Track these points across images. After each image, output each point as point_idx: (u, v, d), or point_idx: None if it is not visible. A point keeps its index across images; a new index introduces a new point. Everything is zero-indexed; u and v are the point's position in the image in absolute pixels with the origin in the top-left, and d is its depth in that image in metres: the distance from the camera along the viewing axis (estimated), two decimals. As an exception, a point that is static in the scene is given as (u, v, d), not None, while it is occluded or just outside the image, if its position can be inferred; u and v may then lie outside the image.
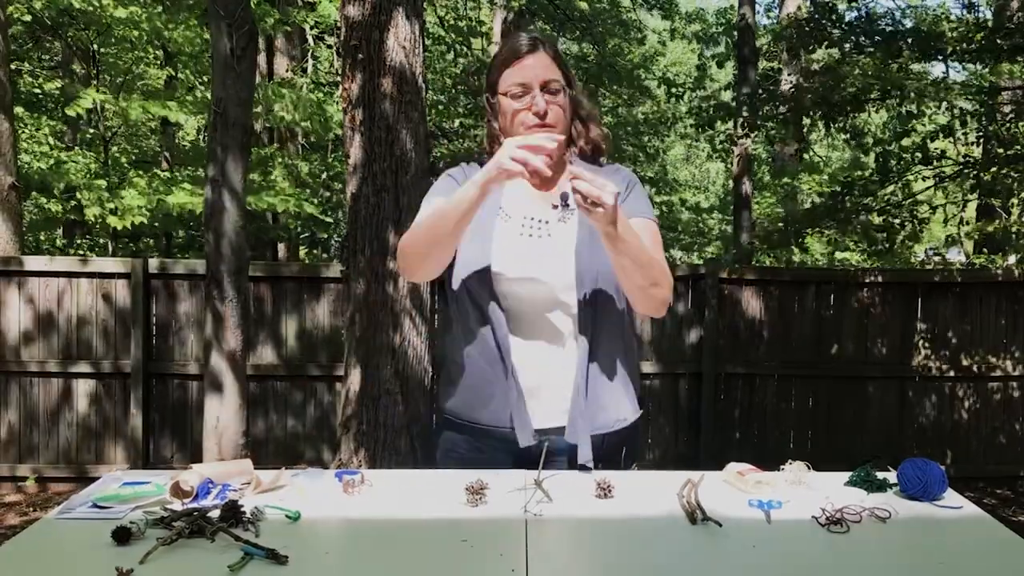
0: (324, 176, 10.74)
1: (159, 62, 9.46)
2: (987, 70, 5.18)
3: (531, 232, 1.68)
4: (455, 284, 1.69)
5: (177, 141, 8.40)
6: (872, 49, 5.55)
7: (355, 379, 3.66)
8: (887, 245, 6.43)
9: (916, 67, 5.76)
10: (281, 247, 11.04)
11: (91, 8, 7.33)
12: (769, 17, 12.86)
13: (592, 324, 1.65)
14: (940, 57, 5.48)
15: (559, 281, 1.64)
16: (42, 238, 10.24)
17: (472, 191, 1.52)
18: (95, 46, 8.89)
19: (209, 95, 8.65)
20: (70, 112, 6.80)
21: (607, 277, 1.64)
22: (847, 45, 5.94)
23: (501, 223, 1.69)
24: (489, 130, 1.74)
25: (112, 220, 7.15)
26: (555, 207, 1.68)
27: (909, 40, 5.42)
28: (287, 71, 9.88)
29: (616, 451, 1.69)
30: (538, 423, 1.65)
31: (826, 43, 6.06)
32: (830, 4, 5.90)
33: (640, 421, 1.78)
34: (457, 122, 11.88)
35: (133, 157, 9.64)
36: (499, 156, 1.48)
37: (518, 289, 1.64)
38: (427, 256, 1.63)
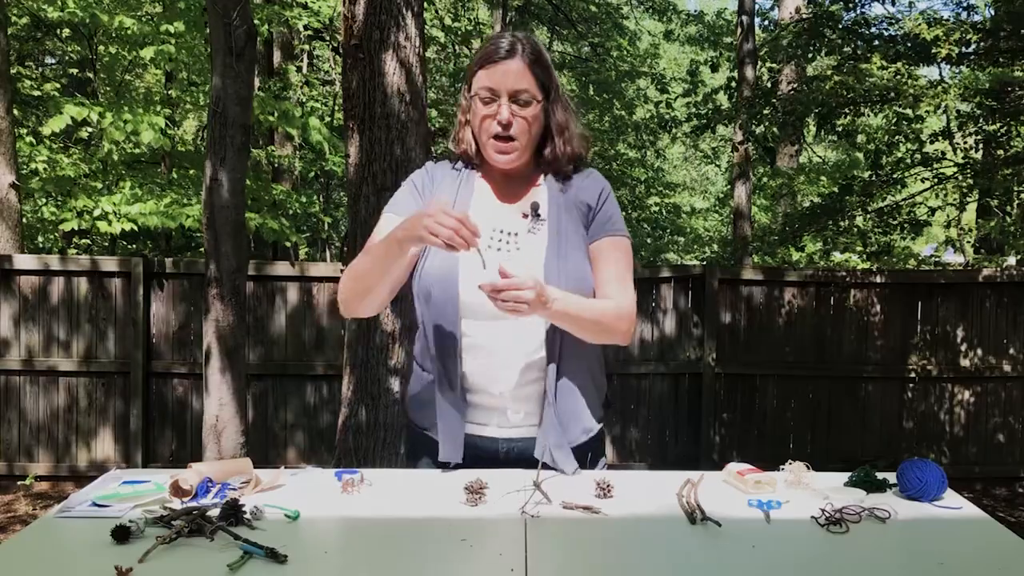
0: (320, 177, 10.74)
1: (157, 63, 9.44)
2: (984, 73, 5.17)
3: (499, 246, 1.65)
4: (417, 291, 1.66)
5: (170, 143, 8.35)
6: (870, 54, 5.55)
7: (354, 378, 3.66)
8: (886, 247, 6.43)
9: (911, 68, 5.75)
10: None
11: (85, 18, 7.29)
12: (767, 20, 12.82)
13: (560, 340, 1.62)
14: (936, 62, 5.48)
15: None
16: (41, 239, 10.23)
17: (393, 249, 1.53)
18: (92, 49, 8.88)
19: (201, 95, 8.67)
20: (51, 129, 6.70)
21: (575, 289, 1.61)
22: (847, 49, 5.93)
23: None
24: (459, 121, 1.71)
25: (100, 224, 7.09)
26: (524, 216, 1.67)
27: (908, 45, 5.42)
28: (278, 66, 9.86)
29: (583, 457, 1.68)
30: (505, 433, 1.66)
31: (825, 50, 6.06)
32: (828, 11, 5.90)
33: (604, 425, 1.78)
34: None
35: (128, 159, 9.59)
36: (423, 221, 1.44)
37: (483, 304, 1.58)
38: (360, 301, 1.64)
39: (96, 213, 7.03)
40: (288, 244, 8.84)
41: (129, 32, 7.38)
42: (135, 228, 7.18)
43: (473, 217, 1.45)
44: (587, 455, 1.70)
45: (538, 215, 1.66)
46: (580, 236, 1.67)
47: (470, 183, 1.71)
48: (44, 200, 8.57)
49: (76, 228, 7.31)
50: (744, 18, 9.47)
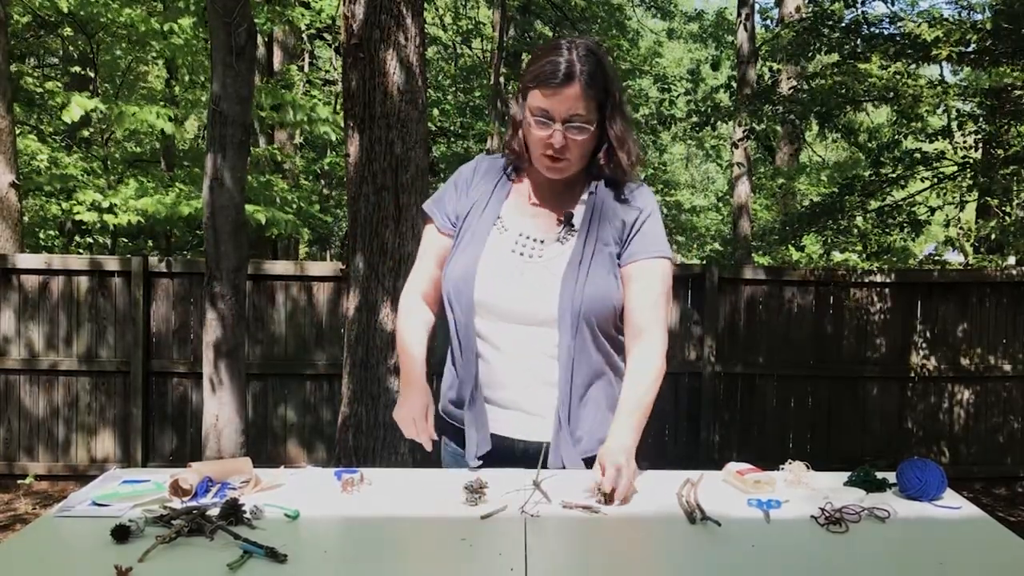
0: (321, 175, 10.74)
1: (159, 60, 9.45)
2: (984, 74, 5.17)
3: (522, 251, 1.65)
4: (443, 291, 1.70)
5: (177, 139, 8.36)
6: (870, 54, 5.54)
7: (354, 377, 3.66)
8: (885, 247, 6.43)
9: (912, 67, 5.75)
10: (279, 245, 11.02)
11: (86, 11, 7.30)
12: (769, 19, 12.82)
13: (573, 352, 1.61)
14: (936, 62, 5.47)
15: (541, 309, 1.61)
16: (41, 237, 10.23)
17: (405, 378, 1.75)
18: (94, 47, 8.86)
19: (203, 94, 8.65)
20: (65, 119, 6.72)
21: (592, 307, 1.60)
22: (845, 48, 5.93)
23: (496, 235, 1.67)
24: (512, 118, 1.69)
25: (108, 218, 7.13)
26: (559, 222, 1.66)
27: (906, 43, 5.41)
28: (279, 65, 9.86)
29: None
30: (521, 435, 1.67)
31: (825, 49, 6.05)
32: (829, 11, 5.90)
33: None
34: (458, 121, 11.88)
35: (129, 157, 9.62)
36: (404, 414, 1.69)
37: (499, 308, 1.62)
38: None
39: (104, 206, 7.07)
40: (296, 237, 8.87)
41: (130, 24, 7.39)
42: (142, 221, 7.22)
43: (429, 420, 1.68)
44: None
45: (571, 225, 1.66)
46: (610, 252, 1.64)
47: (506, 186, 1.73)
48: (46, 199, 8.57)
49: (88, 222, 7.35)
50: (744, 13, 9.47)
